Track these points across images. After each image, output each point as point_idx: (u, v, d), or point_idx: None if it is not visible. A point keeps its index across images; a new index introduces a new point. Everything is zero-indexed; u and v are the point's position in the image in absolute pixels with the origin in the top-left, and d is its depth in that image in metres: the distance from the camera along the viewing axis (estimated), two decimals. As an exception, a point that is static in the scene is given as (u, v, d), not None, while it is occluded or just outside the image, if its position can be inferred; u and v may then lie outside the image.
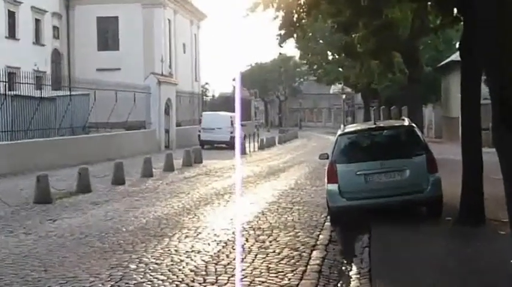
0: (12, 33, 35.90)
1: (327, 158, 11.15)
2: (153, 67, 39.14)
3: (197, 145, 32.17)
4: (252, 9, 14.10)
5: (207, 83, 77.91)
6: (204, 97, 55.47)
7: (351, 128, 12.28)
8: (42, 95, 23.74)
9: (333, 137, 12.02)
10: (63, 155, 22.85)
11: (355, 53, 22.29)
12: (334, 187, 10.49)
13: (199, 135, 35.96)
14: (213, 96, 65.85)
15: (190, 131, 37.90)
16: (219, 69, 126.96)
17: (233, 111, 36.38)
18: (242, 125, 36.73)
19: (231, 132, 35.06)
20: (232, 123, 35.55)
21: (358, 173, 10.39)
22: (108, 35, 42.92)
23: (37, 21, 38.68)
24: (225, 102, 49.15)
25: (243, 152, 31.44)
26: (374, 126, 11.58)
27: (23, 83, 22.78)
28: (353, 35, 20.43)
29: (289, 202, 13.67)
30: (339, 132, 11.39)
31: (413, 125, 11.42)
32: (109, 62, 40.63)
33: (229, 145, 34.28)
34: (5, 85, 23.10)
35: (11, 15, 36.04)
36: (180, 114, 38.86)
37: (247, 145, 34.53)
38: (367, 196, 10.30)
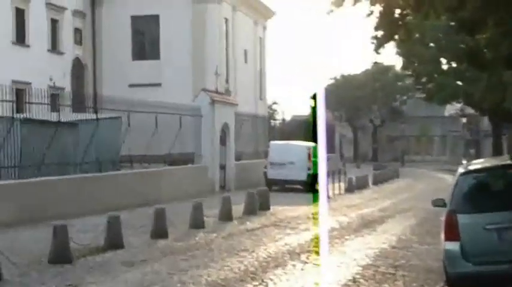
0: (21, 38, 36.79)
1: (443, 206, 10.95)
2: (204, 82, 39.67)
3: (263, 185, 32.35)
4: (338, 3, 14.11)
5: (275, 103, 78.56)
6: (272, 121, 55.70)
7: (477, 164, 12.12)
8: (60, 119, 24.16)
9: (451, 177, 11.77)
10: (87, 199, 23.02)
11: (481, 60, 21.92)
12: (454, 246, 10.28)
13: (265, 173, 36.14)
14: (284, 120, 66.13)
15: (253, 167, 38.20)
16: (292, 84, 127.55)
17: (311, 140, 36.14)
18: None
19: (308, 169, 35.24)
20: (309, 157, 35.67)
21: (488, 227, 10.19)
22: (145, 39, 43.73)
23: (54, 22, 39.64)
24: (299, 129, 49.04)
25: (325, 195, 31.84)
26: (510, 162, 11.46)
27: (35, 103, 23.24)
28: (478, 37, 20.18)
29: (390, 266, 13.54)
30: (461, 170, 11.23)
31: None
32: (147, 76, 41.67)
33: (306, 186, 34.46)
34: (12, 106, 23.18)
35: (20, 14, 36.70)
36: (241, 144, 39.00)
37: (330, 185, 34.20)
38: (501, 259, 10.03)
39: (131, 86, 40.10)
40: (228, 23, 46.89)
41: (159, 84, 40.88)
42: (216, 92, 36.39)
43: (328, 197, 32.09)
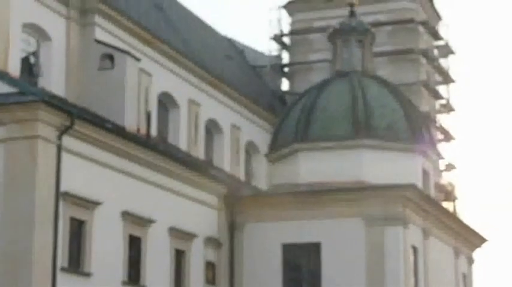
0: (135, 277, 33.77)
1: None
2: None
3: None
4: None
5: None
6: None
7: None
8: None
9: None
10: None
11: None
12: None
13: None
14: None
15: None
16: None
17: None
18: None
19: None
20: None
21: None
22: (302, 276, 40.57)
23: (178, 253, 37.30)
24: None
25: None
26: None
27: None
28: None
29: None
30: None
31: None
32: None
33: None
34: None
35: (135, 244, 34.05)
36: None
37: None
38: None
39: None
40: (417, 253, 43.75)
41: None
42: None
43: None
